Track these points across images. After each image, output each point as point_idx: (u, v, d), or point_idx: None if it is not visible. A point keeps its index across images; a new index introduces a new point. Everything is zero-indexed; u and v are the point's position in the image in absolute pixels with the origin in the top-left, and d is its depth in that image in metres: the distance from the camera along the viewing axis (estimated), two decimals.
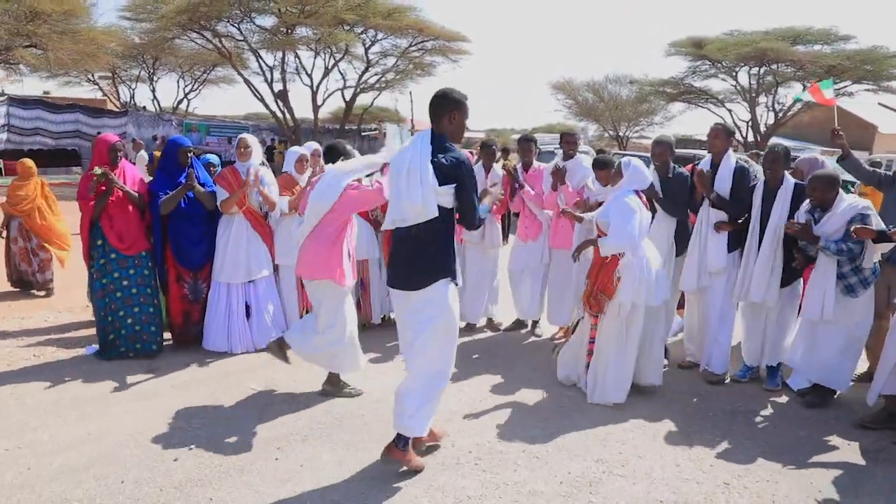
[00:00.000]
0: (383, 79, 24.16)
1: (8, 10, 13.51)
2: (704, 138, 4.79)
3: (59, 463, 3.48)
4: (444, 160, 3.12)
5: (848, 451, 3.80)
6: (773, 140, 26.01)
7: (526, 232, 5.80)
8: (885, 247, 4.20)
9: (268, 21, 22.12)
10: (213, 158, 6.01)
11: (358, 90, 24.03)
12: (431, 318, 3.25)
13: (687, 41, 25.87)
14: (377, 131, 26.21)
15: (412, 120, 24.72)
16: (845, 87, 24.29)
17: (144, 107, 28.95)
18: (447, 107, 3.21)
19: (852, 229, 3.97)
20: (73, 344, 5.42)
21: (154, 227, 5.07)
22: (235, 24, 21.98)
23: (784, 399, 4.53)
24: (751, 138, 26.10)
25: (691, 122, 42.14)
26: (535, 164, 5.85)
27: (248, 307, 5.30)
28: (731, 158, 4.82)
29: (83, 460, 3.51)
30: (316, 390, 4.52)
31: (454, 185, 3.15)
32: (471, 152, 6.58)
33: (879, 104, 32.87)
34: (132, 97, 29.43)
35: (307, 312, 5.57)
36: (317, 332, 4.21)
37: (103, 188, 4.79)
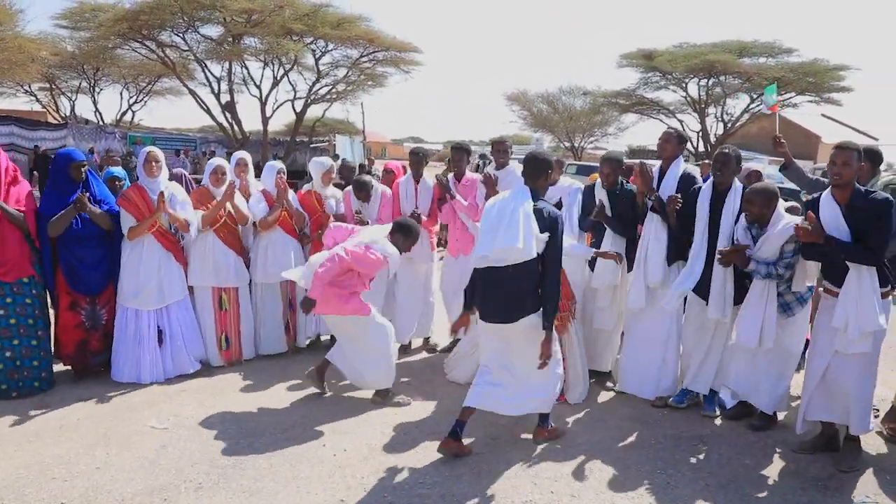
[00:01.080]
0: (334, 90, 23.67)
1: None
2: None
3: None
4: (545, 212, 3.57)
5: (796, 480, 3.52)
6: None
7: (457, 246, 5.44)
8: (816, 271, 3.92)
9: (214, 31, 21.48)
10: (119, 172, 5.52)
11: (309, 101, 23.48)
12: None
13: (637, 53, 26.18)
14: (327, 143, 25.69)
15: (363, 132, 24.31)
16: (790, 98, 24.91)
17: (87, 119, 27.85)
18: (546, 168, 3.70)
19: (796, 224, 3.61)
20: None
21: (43, 250, 4.53)
22: (180, 34, 21.25)
23: (726, 423, 4.25)
24: (701, 148, 26.49)
25: (644, 133, 42.96)
26: (469, 174, 5.52)
27: (160, 332, 4.81)
28: (679, 166, 4.57)
29: None
30: (224, 425, 4.07)
31: (548, 235, 3.53)
32: (403, 167, 6.19)
33: (823, 115, 34.01)
34: (72, 109, 28.26)
35: (224, 336, 5.12)
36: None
37: None
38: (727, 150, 4.25)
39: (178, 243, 4.93)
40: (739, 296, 4.10)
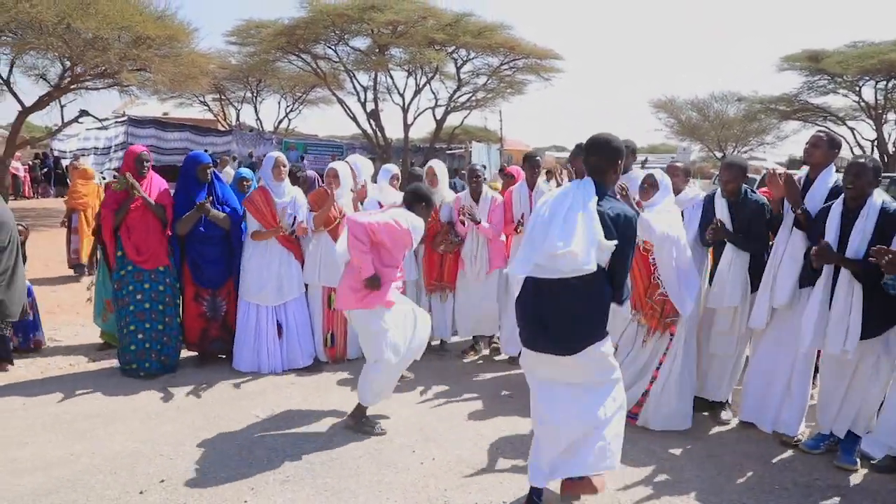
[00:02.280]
0: (474, 97, 23.94)
1: (118, 36, 14.41)
2: (845, 167, 3.94)
3: (25, 485, 3.28)
4: (612, 212, 2.79)
5: None
6: None
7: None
8: None
9: (362, 43, 22.57)
10: (247, 173, 5.86)
11: (449, 109, 23.93)
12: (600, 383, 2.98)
13: (802, 55, 23.84)
14: (464, 150, 26.02)
15: (501, 139, 24.32)
16: None
17: (251, 127, 30.42)
18: (616, 156, 2.90)
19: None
20: (104, 357, 5.37)
21: (173, 243, 4.93)
22: (332, 46, 22.57)
23: (870, 477, 3.60)
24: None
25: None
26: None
27: (279, 326, 5.04)
28: (831, 175, 3.99)
29: (49, 484, 3.29)
30: (322, 421, 4.15)
31: (616, 243, 2.75)
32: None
33: None
34: (238, 117, 30.97)
35: (330, 334, 5.25)
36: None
37: (125, 197, 4.70)
38: (862, 161, 3.62)
39: (298, 242, 5.13)
40: (877, 324, 3.49)
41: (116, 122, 17.18)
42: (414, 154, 25.26)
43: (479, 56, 22.78)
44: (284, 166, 5.10)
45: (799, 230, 3.90)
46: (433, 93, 24.14)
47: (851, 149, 24.58)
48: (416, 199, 4.02)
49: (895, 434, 3.53)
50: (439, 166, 5.67)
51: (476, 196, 5.49)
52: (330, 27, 20.88)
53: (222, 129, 27.60)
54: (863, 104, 23.76)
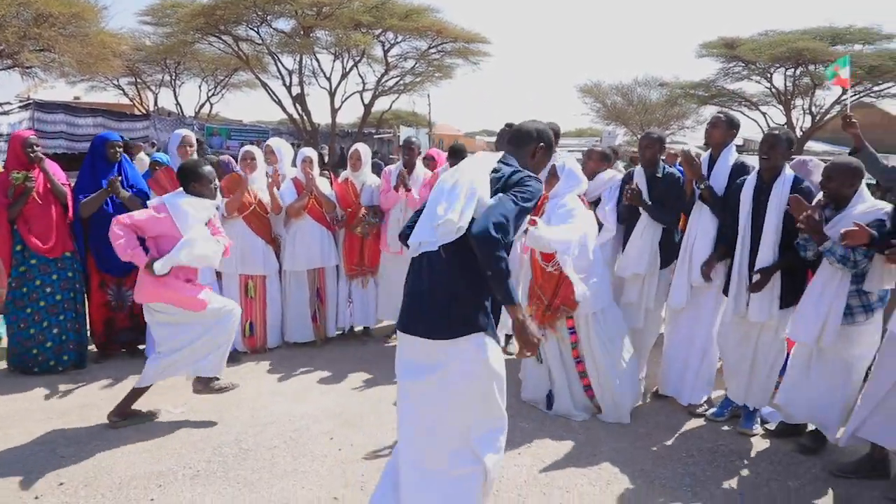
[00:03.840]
0: (402, 81, 23.72)
1: (16, 13, 13.47)
2: (740, 142, 4.07)
3: None
4: (508, 171, 2.47)
5: None
6: (810, 144, 24.78)
7: None
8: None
9: (286, 24, 21.94)
10: (162, 157, 5.59)
11: (377, 93, 23.64)
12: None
13: (719, 42, 24.81)
14: (392, 134, 25.83)
15: (430, 124, 24.26)
16: (888, 88, 23.02)
17: (169, 111, 29.14)
18: (535, 139, 2.64)
19: (842, 231, 3.21)
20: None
21: (76, 228, 4.65)
22: (254, 28, 21.81)
23: (768, 442, 3.80)
24: None
25: None
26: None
27: None
28: (731, 154, 4.15)
29: None
30: (237, 413, 4.04)
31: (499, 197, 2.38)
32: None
33: None
34: (156, 101, 29.59)
35: (249, 324, 5.10)
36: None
37: (20, 191, 4.39)
38: (777, 132, 3.80)
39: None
40: (788, 297, 3.68)
41: (20, 106, 16.06)
42: (342, 139, 24.86)
43: (406, 39, 22.57)
44: (192, 146, 4.89)
45: (704, 205, 4.05)
46: (360, 76, 23.79)
47: (763, 132, 25.84)
48: (186, 179, 3.72)
49: (790, 402, 3.72)
50: (364, 149, 5.60)
51: (410, 168, 5.42)
52: (251, 7, 20.15)
53: (139, 113, 26.36)
54: (773, 90, 24.97)
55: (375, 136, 25.40)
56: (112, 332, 4.81)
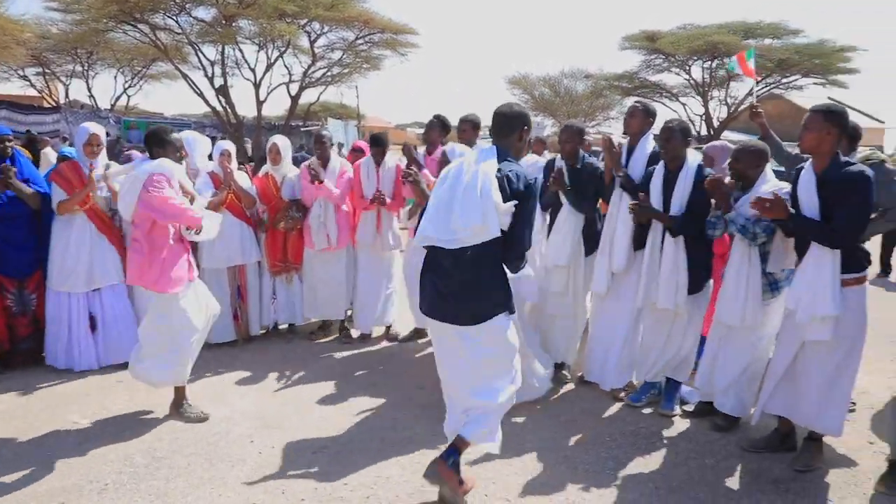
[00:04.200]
0: (329, 73, 23.27)
1: None
2: (658, 132, 4.16)
3: None
4: (511, 174, 2.74)
5: (757, 483, 3.23)
6: (727, 134, 25.93)
7: None
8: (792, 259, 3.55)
9: (206, 13, 21.08)
10: (70, 151, 5.26)
11: (304, 84, 23.10)
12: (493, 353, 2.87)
13: (640, 35, 25.58)
14: (320, 127, 25.35)
15: (359, 116, 23.94)
16: (795, 80, 24.33)
17: (82, 104, 27.62)
18: (518, 123, 2.89)
19: (751, 201, 3.28)
20: None
21: None
22: (172, 16, 20.86)
23: (687, 422, 3.93)
24: (704, 132, 25.95)
25: None
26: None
27: (92, 318, 4.56)
28: (649, 142, 4.24)
29: None
30: (152, 420, 3.84)
31: (515, 204, 2.71)
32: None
33: (829, 98, 33.26)
34: (67, 93, 27.99)
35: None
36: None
37: None
38: (670, 125, 3.91)
39: (115, 227, 4.65)
40: (696, 281, 3.81)
41: None
42: (269, 132, 24.21)
43: (333, 30, 22.11)
44: (99, 145, 4.59)
45: (626, 193, 4.13)
46: (287, 67, 23.16)
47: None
48: (152, 146, 3.70)
49: (708, 382, 3.86)
50: (282, 142, 5.44)
51: (324, 162, 5.29)
52: None
53: (49, 106, 24.83)
54: (692, 82, 25.96)
55: (302, 129, 24.83)
56: (14, 339, 4.48)
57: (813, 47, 23.20)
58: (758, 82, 5.14)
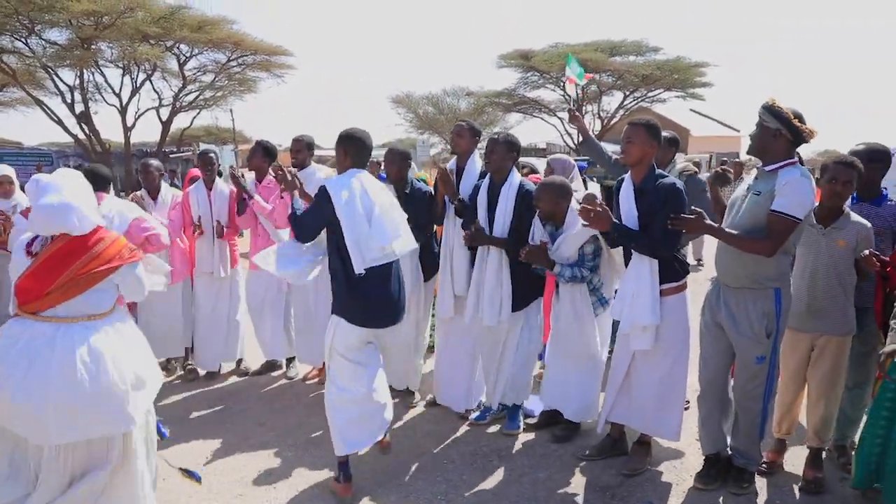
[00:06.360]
0: (202, 96, 22.38)
1: None
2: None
3: None
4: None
5: (586, 490, 3.25)
6: (602, 144, 27.29)
7: None
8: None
9: (60, 35, 19.70)
10: None
11: (176, 109, 22.08)
12: None
13: (515, 53, 26.56)
14: (192, 152, 24.32)
15: (234, 139, 23.14)
16: (658, 94, 26.03)
17: None
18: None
19: (578, 210, 3.27)
20: None
21: None
22: (21, 39, 19.34)
23: (531, 435, 3.92)
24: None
25: (528, 132, 44.30)
26: (270, 176, 4.96)
27: None
28: (476, 162, 4.22)
29: None
30: None
31: None
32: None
33: (691, 110, 35.95)
34: None
35: None
36: None
37: None
38: (495, 136, 3.90)
39: None
40: (524, 298, 3.82)
41: None
42: (139, 159, 22.89)
43: (203, 52, 21.35)
44: (11, 184, 4.18)
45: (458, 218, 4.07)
46: (156, 91, 22.09)
47: (562, 136, 28.00)
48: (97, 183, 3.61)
49: (551, 393, 3.88)
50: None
51: (154, 193, 4.94)
52: (13, 15, 17.82)
53: None
54: (567, 97, 27.13)
55: (172, 156, 23.65)
56: None
57: (671, 63, 24.98)
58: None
